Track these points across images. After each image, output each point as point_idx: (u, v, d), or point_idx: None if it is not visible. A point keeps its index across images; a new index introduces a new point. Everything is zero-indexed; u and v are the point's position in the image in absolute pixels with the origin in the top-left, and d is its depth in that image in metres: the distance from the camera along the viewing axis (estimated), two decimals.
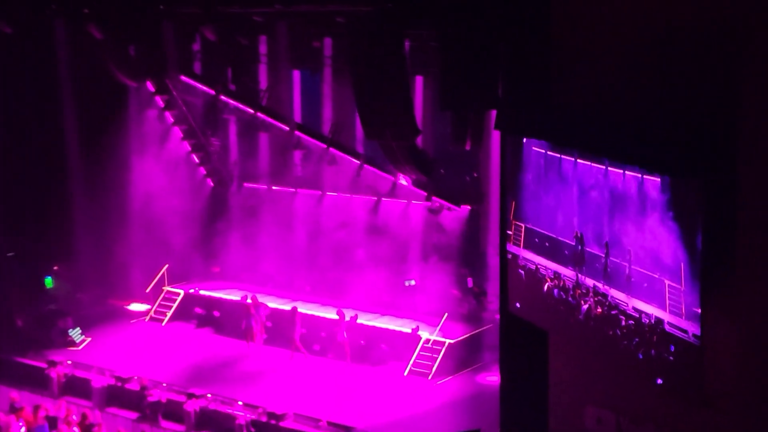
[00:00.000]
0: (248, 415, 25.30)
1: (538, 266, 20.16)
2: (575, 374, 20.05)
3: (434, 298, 29.61)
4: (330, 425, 24.82)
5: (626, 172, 17.24)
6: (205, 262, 34.09)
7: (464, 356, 28.48)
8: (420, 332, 28.85)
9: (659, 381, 17.05)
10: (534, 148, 19.87)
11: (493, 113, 22.45)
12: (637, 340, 17.39)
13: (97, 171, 32.30)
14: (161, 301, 33.21)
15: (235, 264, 33.74)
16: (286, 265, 32.58)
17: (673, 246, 16.27)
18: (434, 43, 26.03)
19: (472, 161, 31.11)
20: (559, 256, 19.44)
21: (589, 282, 18.54)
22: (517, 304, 21.16)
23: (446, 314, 29.01)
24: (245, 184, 34.71)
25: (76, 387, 27.77)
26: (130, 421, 26.35)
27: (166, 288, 33.42)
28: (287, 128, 32.55)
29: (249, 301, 30.35)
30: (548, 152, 19.41)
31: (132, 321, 32.95)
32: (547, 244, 19.79)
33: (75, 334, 30.64)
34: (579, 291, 18.87)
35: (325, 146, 32.06)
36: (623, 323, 17.69)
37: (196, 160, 34.93)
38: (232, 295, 32.34)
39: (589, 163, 18.21)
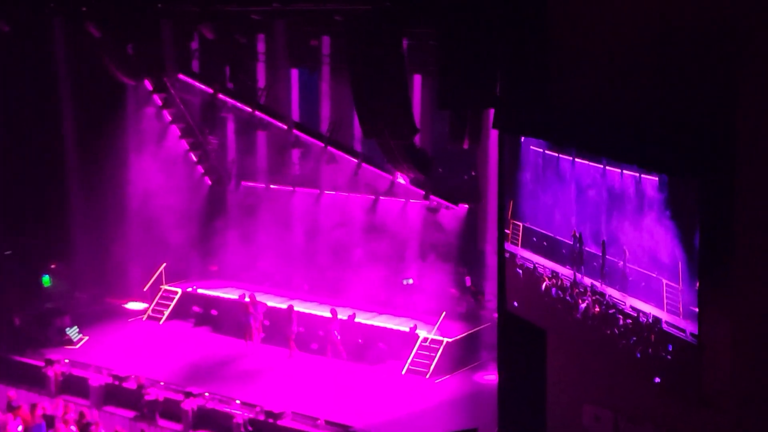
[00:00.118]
0: (246, 414, 25.30)
1: (536, 265, 20.16)
2: (573, 373, 20.06)
3: (432, 297, 29.60)
4: (328, 424, 24.82)
5: (624, 171, 17.24)
6: (203, 261, 34.08)
7: (462, 355, 28.47)
8: (418, 331, 28.84)
9: (657, 380, 17.06)
10: (532, 147, 19.87)
11: (491, 112, 22.45)
12: (634, 339, 17.39)
13: (94, 169, 32.30)
14: (159, 299, 33.19)
15: (233, 262, 33.73)
16: (284, 264, 32.57)
17: (671, 245, 16.27)
18: (433, 42, 26.02)
19: (470, 160, 31.11)
20: (557, 255, 19.44)
21: (587, 281, 18.54)
22: (515, 303, 21.17)
23: (444, 313, 29.00)
24: (243, 183, 34.72)
25: (73, 385, 27.76)
26: (128, 419, 26.33)
27: (164, 286, 33.40)
28: (285, 127, 32.54)
29: (247, 299, 30.34)
30: (546, 151, 19.41)
31: (129, 319, 32.94)
32: (545, 243, 19.79)
33: (72, 332, 30.63)
34: (577, 290, 18.87)
35: (323, 145, 32.05)
36: (621, 322, 17.69)
37: (194, 159, 34.92)
38: (230, 294, 32.33)
39: (587, 162, 18.21)
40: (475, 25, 20.87)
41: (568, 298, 19.20)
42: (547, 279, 19.85)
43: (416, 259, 30.73)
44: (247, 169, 34.46)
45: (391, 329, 29.41)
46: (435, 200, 30.86)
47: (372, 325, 29.73)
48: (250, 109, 33.10)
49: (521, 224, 20.52)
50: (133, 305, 33.59)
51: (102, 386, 27.27)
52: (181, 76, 33.03)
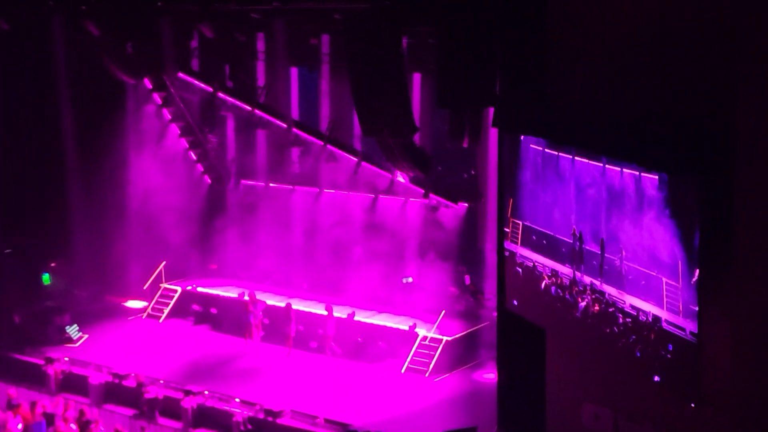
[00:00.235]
0: (245, 412, 25.29)
1: (536, 264, 20.18)
2: (572, 372, 20.08)
3: (432, 296, 29.61)
4: (327, 422, 24.81)
5: (624, 169, 17.26)
6: (203, 259, 34.09)
7: (461, 353, 28.48)
8: (417, 329, 28.85)
9: (656, 378, 17.08)
10: (531, 145, 19.89)
11: (491, 111, 22.46)
12: (634, 337, 17.41)
13: (94, 168, 32.28)
14: (159, 298, 33.20)
15: (232, 261, 33.75)
16: (284, 263, 32.58)
17: (671, 243, 16.29)
18: (432, 41, 26.04)
19: (469, 159, 31.11)
20: (557, 253, 19.46)
21: (587, 279, 18.56)
22: (515, 302, 21.19)
23: (443, 311, 29.02)
24: (243, 181, 34.72)
25: (73, 384, 27.75)
26: (128, 417, 26.32)
27: (164, 285, 33.41)
28: (285, 125, 32.53)
29: (246, 298, 30.35)
30: (546, 150, 19.43)
31: (129, 318, 32.94)
32: (544, 241, 19.82)
33: (72, 330, 30.64)
34: (576, 288, 18.89)
35: (322, 143, 32.06)
36: (620, 321, 17.71)
37: (194, 157, 34.92)
38: (230, 292, 32.34)
39: (586, 160, 18.23)
40: (474, 24, 20.89)
41: (567, 296, 19.22)
42: (546, 277, 19.87)
43: (416, 257, 30.74)
44: (246, 167, 34.46)
45: (391, 328, 29.41)
46: (435, 199, 30.86)
47: (371, 324, 29.74)
48: (249, 108, 33.11)
49: (521, 223, 20.54)
50: (133, 303, 33.60)
51: (102, 384, 27.27)
52: (181, 75, 33.02)
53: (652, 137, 16.69)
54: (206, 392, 26.28)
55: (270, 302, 30.50)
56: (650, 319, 16.98)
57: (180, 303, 32.79)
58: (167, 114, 34.06)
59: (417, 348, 28.38)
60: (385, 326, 29.53)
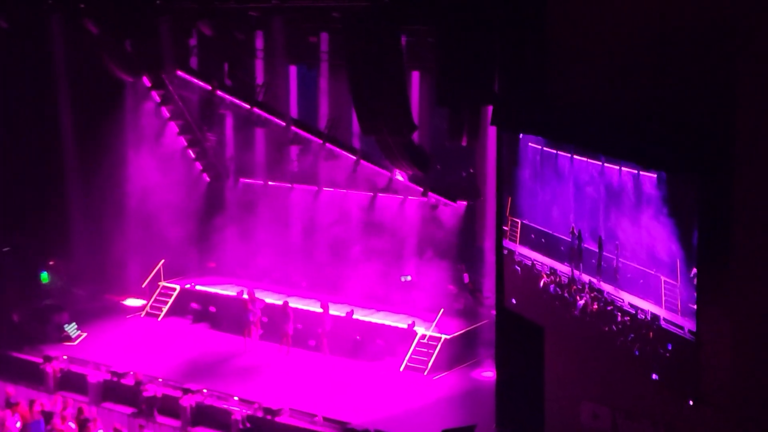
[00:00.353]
0: (244, 411, 25.29)
1: (534, 262, 20.19)
2: (571, 370, 20.09)
3: (430, 294, 29.60)
4: (326, 420, 24.82)
5: (622, 168, 17.27)
6: (201, 258, 34.08)
7: (460, 352, 28.48)
8: (416, 328, 28.86)
9: (655, 377, 17.09)
10: (530, 144, 19.90)
11: (490, 109, 22.46)
12: (632, 336, 17.42)
13: (93, 166, 32.26)
14: (157, 296, 33.19)
15: (231, 259, 33.73)
16: (282, 261, 32.57)
17: (669, 242, 16.30)
18: (431, 39, 26.03)
19: (468, 157, 31.08)
20: (555, 252, 19.47)
21: (585, 278, 18.57)
22: (513, 300, 21.20)
23: (442, 310, 29.02)
24: (241, 180, 34.71)
25: (71, 382, 27.74)
26: (126, 416, 26.32)
27: (162, 283, 33.40)
28: (283, 124, 32.51)
29: (245, 296, 30.35)
30: (544, 148, 19.44)
31: (128, 316, 32.92)
32: (543, 240, 19.82)
33: (71, 329, 30.62)
34: (575, 287, 18.90)
35: (321, 142, 32.05)
36: (619, 319, 17.73)
37: (193, 156, 34.91)
38: (228, 291, 32.33)
39: (585, 159, 18.23)
40: (473, 22, 20.89)
41: (566, 295, 19.22)
42: (545, 276, 19.88)
43: (414, 256, 30.72)
44: (245, 165, 34.45)
45: (390, 326, 29.41)
46: (433, 197, 30.85)
47: (370, 322, 29.74)
48: (248, 106, 33.09)
49: (519, 221, 20.55)
50: (132, 302, 33.58)
51: (100, 383, 27.26)
52: (180, 73, 32.99)
53: (651, 136, 16.70)
54: (205, 390, 26.28)
55: (268, 300, 30.49)
56: (649, 317, 16.99)
57: (179, 301, 32.79)
58: (166, 112, 34.05)
59: (416, 346, 28.38)
60: (383, 324, 29.53)
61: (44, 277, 33.28)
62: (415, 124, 23.41)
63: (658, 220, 16.52)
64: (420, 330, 28.72)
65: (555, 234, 19.44)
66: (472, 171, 31.74)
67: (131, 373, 27.32)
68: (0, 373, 28.07)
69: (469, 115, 23.19)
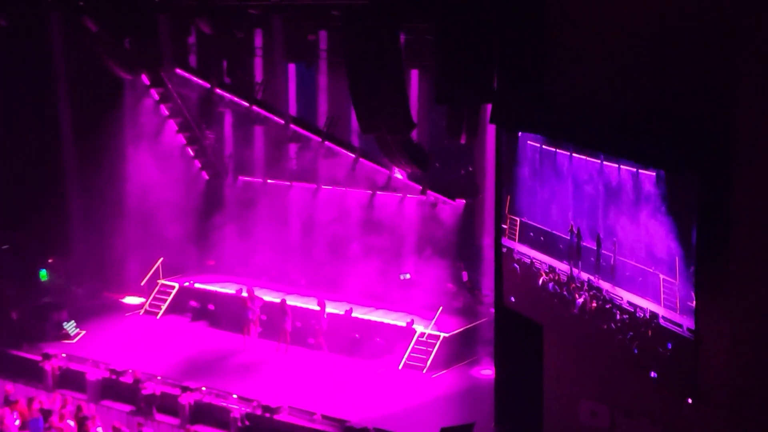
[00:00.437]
0: (243, 409, 25.31)
1: (533, 260, 20.18)
2: (570, 368, 20.08)
3: (429, 292, 29.61)
4: (324, 418, 24.83)
5: (621, 166, 17.27)
6: (200, 255, 34.08)
7: (459, 350, 28.49)
8: (415, 326, 28.87)
9: (654, 375, 17.09)
10: (529, 142, 19.88)
11: (489, 107, 22.45)
12: (631, 334, 17.42)
13: (92, 164, 32.27)
14: (156, 294, 33.19)
15: (230, 257, 33.74)
16: (281, 259, 32.58)
17: (668, 240, 16.30)
18: (430, 37, 26.02)
19: (467, 155, 31.11)
20: (554, 250, 19.46)
21: (584, 276, 18.56)
22: (512, 298, 21.19)
23: (441, 308, 29.03)
24: (240, 178, 34.73)
25: (70, 380, 27.75)
26: (125, 414, 26.33)
27: (161, 281, 33.41)
28: (282, 121, 32.52)
29: (244, 294, 30.34)
30: (543, 146, 19.43)
31: (127, 314, 32.92)
32: (542, 238, 19.81)
33: (70, 327, 30.63)
34: (574, 285, 18.89)
35: (320, 140, 32.06)
36: (618, 317, 17.72)
37: (191, 153, 34.92)
38: (227, 289, 32.33)
39: (584, 157, 18.22)
40: (472, 20, 20.86)
41: (565, 293, 19.22)
42: (544, 274, 19.87)
43: (413, 254, 30.73)
44: (244, 163, 34.47)
45: (388, 324, 29.42)
46: (432, 195, 30.85)
47: (369, 320, 29.75)
48: (247, 104, 33.09)
49: (518, 219, 20.54)
50: (131, 300, 33.59)
51: (99, 380, 27.27)
52: (179, 71, 32.99)
53: (650, 134, 16.70)
54: (204, 388, 26.29)
55: (267, 298, 30.49)
56: (647, 315, 16.99)
57: (177, 299, 32.80)
58: (165, 110, 34.06)
59: (414, 344, 28.39)
60: (382, 322, 29.54)
61: (43, 274, 33.29)
62: (414, 122, 23.38)
63: (657, 218, 16.52)
64: (419, 328, 28.73)
65: (554, 232, 19.43)
66: (471, 169, 31.75)
67: (130, 371, 27.31)
68: None
69: (468, 113, 23.19)
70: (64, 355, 28.79)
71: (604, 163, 17.69)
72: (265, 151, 33.88)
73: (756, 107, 15.37)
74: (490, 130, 25.60)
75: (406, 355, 28.25)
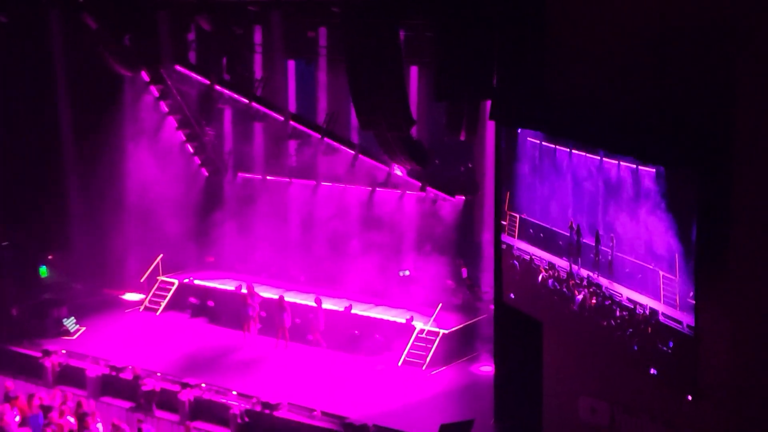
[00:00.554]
0: (242, 405, 25.32)
1: (533, 257, 20.19)
2: (569, 365, 20.10)
3: (429, 289, 29.61)
4: (324, 415, 24.84)
5: (621, 162, 17.28)
6: (200, 252, 34.05)
7: (458, 346, 28.49)
8: (414, 322, 28.86)
9: (653, 372, 17.10)
10: (529, 138, 19.89)
11: (488, 104, 22.47)
12: (631, 331, 17.43)
13: (91, 161, 32.27)
14: (156, 290, 33.19)
15: (229, 254, 33.72)
16: (281, 255, 32.57)
17: (668, 237, 16.31)
18: (429, 33, 26.02)
19: (466, 152, 31.09)
20: (554, 246, 19.48)
21: (584, 272, 18.57)
22: (512, 295, 21.20)
23: (440, 304, 29.03)
24: (240, 174, 34.71)
25: (70, 376, 27.76)
26: (124, 410, 26.35)
27: (161, 278, 33.40)
28: (282, 118, 32.50)
29: (244, 290, 30.35)
30: (543, 143, 19.44)
31: (126, 310, 32.92)
32: (541, 234, 19.83)
33: (69, 323, 30.63)
34: (573, 281, 18.91)
35: (320, 136, 32.04)
36: (618, 314, 17.73)
37: (191, 150, 34.89)
38: (227, 285, 32.34)
39: (584, 153, 18.23)
40: (472, 16, 20.88)
41: (564, 289, 19.23)
42: (543, 270, 19.88)
43: (413, 250, 30.73)
44: (243, 160, 34.45)
45: (388, 321, 29.42)
46: (432, 192, 30.85)
47: (368, 317, 29.73)
48: (246, 101, 33.05)
49: (518, 216, 20.55)
50: (130, 296, 33.59)
51: (99, 377, 27.29)
52: (178, 68, 32.96)
53: (650, 131, 16.71)
54: (203, 385, 26.31)
55: (266, 295, 30.50)
56: (647, 312, 17.01)
57: (177, 296, 32.80)
58: (164, 107, 34.02)
59: (414, 341, 28.39)
60: (381, 319, 29.54)
61: (43, 271, 33.28)
62: (414, 119, 23.41)
63: (657, 214, 16.53)
64: (418, 324, 28.73)
65: (553, 229, 19.45)
66: (470, 165, 31.74)
67: (130, 367, 27.33)
68: None
69: (468, 109, 23.21)
70: (64, 351, 28.80)
71: (604, 159, 17.70)
72: (264, 147, 33.86)
73: (756, 106, 15.38)
74: (490, 127, 25.60)
75: (405, 352, 28.25)
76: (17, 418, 23.83)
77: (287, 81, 33.36)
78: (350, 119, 31.35)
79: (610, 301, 17.91)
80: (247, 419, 24.99)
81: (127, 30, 28.76)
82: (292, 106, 33.39)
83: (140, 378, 26.64)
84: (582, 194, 18.42)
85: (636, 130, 16.94)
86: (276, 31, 29.81)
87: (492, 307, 24.45)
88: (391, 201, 31.41)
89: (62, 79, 31.83)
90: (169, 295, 32.86)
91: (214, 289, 32.49)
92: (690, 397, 16.69)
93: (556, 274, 19.47)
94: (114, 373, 27.41)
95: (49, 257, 33.56)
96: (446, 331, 28.42)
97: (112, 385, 27.22)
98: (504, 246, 21.18)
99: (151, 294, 33.14)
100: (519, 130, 20.19)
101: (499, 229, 21.51)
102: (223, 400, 25.73)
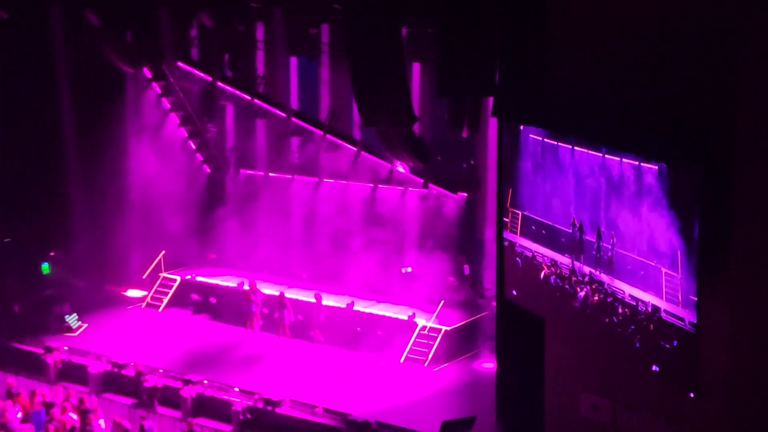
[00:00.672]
0: (244, 402, 25.31)
1: (535, 254, 20.19)
2: (571, 361, 20.10)
3: (431, 286, 29.60)
4: (326, 411, 24.83)
5: (623, 159, 17.27)
6: (202, 249, 34.05)
7: (460, 343, 28.48)
8: (416, 319, 28.85)
9: (655, 368, 17.10)
10: (531, 135, 19.89)
11: (491, 100, 22.45)
12: (633, 327, 17.43)
13: (94, 157, 32.25)
14: (158, 287, 33.19)
15: (231, 250, 33.72)
16: (283, 252, 32.57)
17: (670, 234, 16.30)
18: (431, 30, 26.01)
19: (469, 148, 31.08)
20: (556, 243, 19.47)
21: (586, 269, 18.57)
22: (514, 292, 21.21)
23: (442, 301, 29.02)
24: (242, 171, 34.71)
25: (72, 373, 27.76)
26: (127, 406, 26.36)
27: (163, 274, 33.40)
28: (284, 115, 32.52)
29: (247, 287, 30.35)
30: (545, 140, 19.43)
31: (129, 307, 32.93)
32: (543, 231, 19.83)
33: (72, 319, 30.64)
34: (575, 278, 18.90)
35: (322, 133, 32.04)
36: (620, 311, 17.73)
37: (193, 147, 34.87)
38: (229, 282, 32.34)
39: (586, 150, 18.23)
40: (474, 13, 20.86)
41: (566, 286, 19.23)
42: (545, 267, 19.88)
43: (415, 247, 30.73)
44: (246, 156, 34.45)
45: (390, 317, 29.41)
46: (434, 189, 30.85)
47: (370, 314, 29.73)
48: (249, 97, 33.08)
49: (520, 213, 20.55)
50: (132, 293, 33.60)
51: (101, 373, 27.29)
52: (180, 64, 32.99)
53: (652, 128, 16.70)
54: (205, 381, 26.30)
55: (268, 292, 30.49)
56: (649, 309, 17.00)
57: (179, 292, 32.80)
58: (166, 103, 34.01)
59: (416, 337, 28.38)
60: (384, 316, 29.53)
61: (45, 267, 33.28)
62: (416, 116, 23.40)
63: (659, 211, 16.52)
64: (420, 321, 28.72)
65: (556, 225, 19.44)
66: (472, 162, 31.73)
67: (132, 363, 27.34)
68: (1, 364, 28.14)
69: (470, 106, 23.19)
70: (66, 347, 28.81)
71: (606, 156, 17.69)
72: (266, 144, 33.87)
73: (756, 105, 15.38)
74: (492, 124, 25.59)
75: (407, 349, 28.25)
76: (19, 415, 23.86)
77: (289, 78, 33.38)
78: (352, 116, 31.33)
79: (612, 298, 17.90)
80: (249, 416, 24.99)
81: (129, 26, 28.77)
82: (294, 103, 33.40)
83: (142, 374, 26.64)
84: (584, 191, 18.41)
85: (638, 128, 16.94)
86: (278, 27, 29.85)
87: (494, 304, 24.45)
88: (393, 198, 31.41)
89: (64, 76, 31.80)
90: (171, 291, 32.87)
91: (217, 286, 32.49)
92: (692, 394, 16.68)
93: (558, 271, 19.47)
94: (116, 370, 27.43)
95: (52, 254, 33.55)
96: (448, 328, 28.42)
97: (114, 382, 27.23)
98: (506, 243, 21.18)
99: (153, 291, 33.15)
100: (521, 127, 20.18)
101: (501, 226, 21.51)
102: (226, 397, 25.73)
